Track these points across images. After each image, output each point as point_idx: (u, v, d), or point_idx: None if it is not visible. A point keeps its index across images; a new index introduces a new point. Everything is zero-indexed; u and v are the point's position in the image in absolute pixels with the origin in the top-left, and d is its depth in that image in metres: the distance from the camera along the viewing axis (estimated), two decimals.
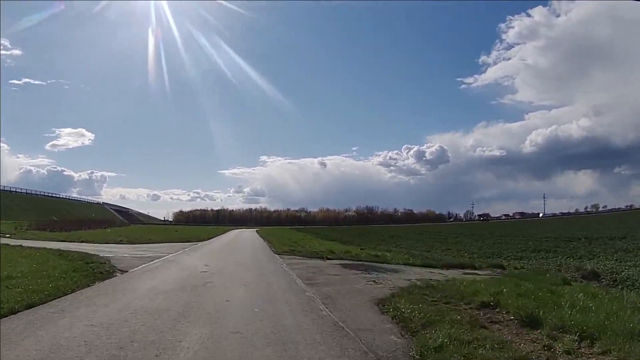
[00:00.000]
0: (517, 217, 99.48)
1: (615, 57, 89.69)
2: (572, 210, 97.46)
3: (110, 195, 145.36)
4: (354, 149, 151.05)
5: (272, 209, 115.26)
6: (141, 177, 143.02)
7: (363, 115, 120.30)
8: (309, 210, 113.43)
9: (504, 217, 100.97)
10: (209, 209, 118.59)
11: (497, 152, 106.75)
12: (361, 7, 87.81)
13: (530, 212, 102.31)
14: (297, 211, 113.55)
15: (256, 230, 52.86)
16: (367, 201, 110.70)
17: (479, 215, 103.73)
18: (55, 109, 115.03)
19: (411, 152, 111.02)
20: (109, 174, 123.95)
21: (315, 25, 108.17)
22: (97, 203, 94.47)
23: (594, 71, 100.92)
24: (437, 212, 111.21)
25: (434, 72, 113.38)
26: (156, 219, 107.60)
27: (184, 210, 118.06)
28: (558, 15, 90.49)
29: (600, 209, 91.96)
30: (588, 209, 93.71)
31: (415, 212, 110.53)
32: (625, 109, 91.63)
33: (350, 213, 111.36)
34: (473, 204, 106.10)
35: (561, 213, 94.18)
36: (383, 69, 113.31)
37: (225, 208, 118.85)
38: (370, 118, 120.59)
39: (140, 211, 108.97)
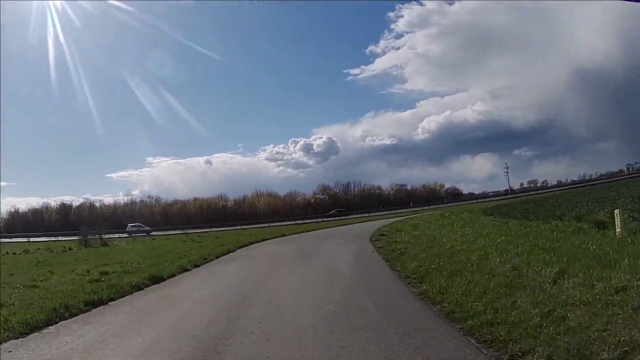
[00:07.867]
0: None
1: (514, 42, 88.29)
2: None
3: (2, 205, 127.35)
4: (239, 145, 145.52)
5: (170, 199, 70.20)
6: (31, 185, 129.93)
7: (247, 110, 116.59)
8: (240, 197, 70.09)
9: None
10: (51, 205, 68.95)
11: (388, 141, 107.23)
12: (241, 5, 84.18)
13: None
14: (215, 199, 70.29)
15: None
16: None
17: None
18: None
19: (298, 146, 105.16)
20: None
21: (191, 21, 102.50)
22: None
23: (491, 57, 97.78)
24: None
25: (319, 66, 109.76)
26: None
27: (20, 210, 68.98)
28: (452, 3, 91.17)
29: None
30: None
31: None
32: (525, 91, 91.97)
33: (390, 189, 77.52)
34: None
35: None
36: (265, 65, 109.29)
37: (87, 201, 69.96)
38: (253, 113, 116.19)
39: None
